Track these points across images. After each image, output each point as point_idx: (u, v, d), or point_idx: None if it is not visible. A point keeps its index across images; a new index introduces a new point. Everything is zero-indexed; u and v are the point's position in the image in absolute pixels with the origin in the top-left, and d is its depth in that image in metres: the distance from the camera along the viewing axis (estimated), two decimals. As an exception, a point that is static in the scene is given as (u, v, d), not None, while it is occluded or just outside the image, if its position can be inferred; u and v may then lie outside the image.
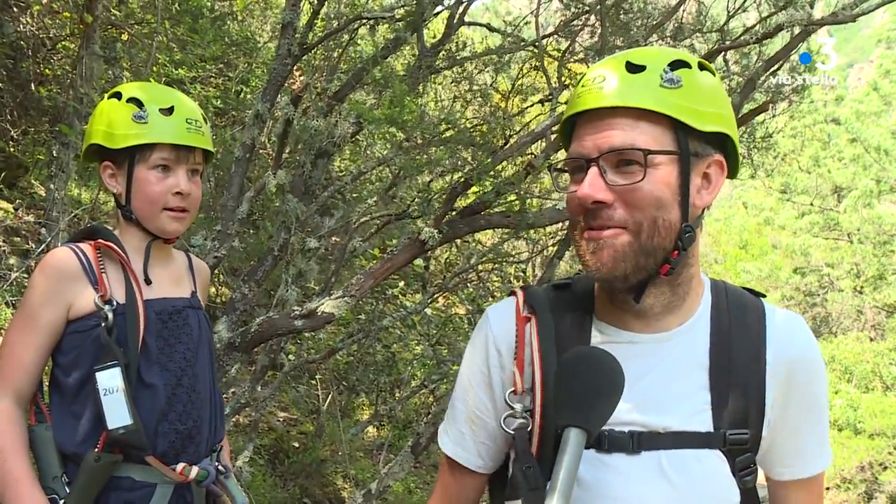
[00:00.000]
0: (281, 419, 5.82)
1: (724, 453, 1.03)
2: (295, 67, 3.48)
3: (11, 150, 4.84)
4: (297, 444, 5.50)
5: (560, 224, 4.25)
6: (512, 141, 3.97)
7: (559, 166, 1.11)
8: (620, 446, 1.02)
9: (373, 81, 3.71)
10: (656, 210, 0.98)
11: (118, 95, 1.63)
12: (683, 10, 4.50)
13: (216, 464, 1.69)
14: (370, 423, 6.35)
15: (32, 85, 4.77)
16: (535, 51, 4.21)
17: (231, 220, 2.95)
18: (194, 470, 1.59)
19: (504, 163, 3.90)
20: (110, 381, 1.47)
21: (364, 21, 3.77)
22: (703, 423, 1.03)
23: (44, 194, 4.73)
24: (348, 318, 5.35)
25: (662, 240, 0.99)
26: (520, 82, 4.83)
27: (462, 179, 3.35)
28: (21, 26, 4.55)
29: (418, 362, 6.10)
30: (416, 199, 4.46)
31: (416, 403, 6.61)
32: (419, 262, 5.51)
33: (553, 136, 3.46)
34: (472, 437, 1.16)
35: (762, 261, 17.07)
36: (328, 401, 5.78)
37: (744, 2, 4.52)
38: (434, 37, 4.52)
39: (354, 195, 4.93)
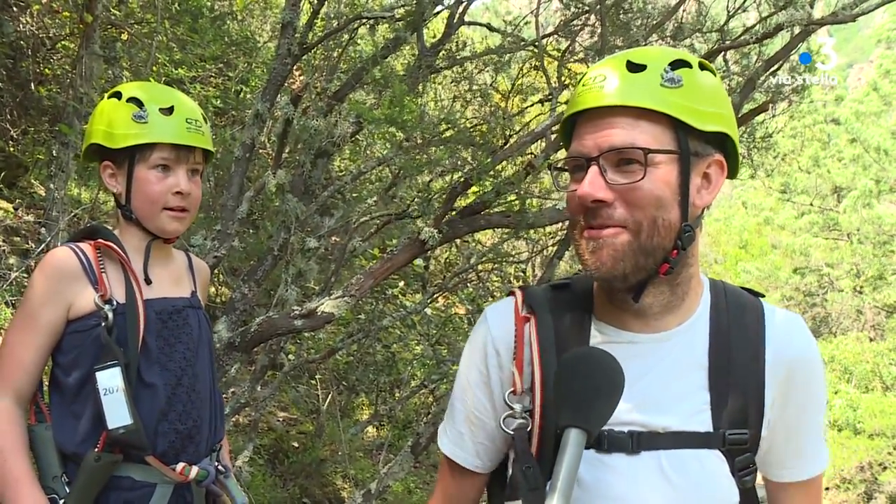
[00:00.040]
0: (281, 419, 5.82)
1: (724, 453, 1.03)
2: (295, 67, 3.48)
3: (11, 149, 4.84)
4: (296, 444, 5.50)
5: (560, 224, 4.25)
6: (512, 141, 3.97)
7: (559, 165, 1.11)
8: (620, 446, 1.02)
9: (373, 81, 3.71)
10: (656, 209, 0.98)
11: (118, 95, 1.63)
12: (683, 10, 4.50)
13: (216, 463, 1.69)
14: (370, 423, 6.35)
15: (32, 84, 4.77)
16: (535, 51, 4.21)
17: (231, 220, 2.95)
18: (194, 470, 1.59)
19: (504, 163, 3.90)
20: (110, 380, 1.47)
21: (364, 21, 3.76)
22: (703, 423, 1.03)
23: (43, 194, 4.73)
24: (348, 318, 5.35)
25: (662, 239, 0.99)
26: (520, 82, 4.83)
27: (462, 179, 3.35)
28: (21, 26, 4.55)
29: (418, 362, 6.10)
30: (416, 199, 4.45)
31: (415, 403, 6.61)
32: (419, 262, 5.51)
33: (553, 136, 3.46)
34: (471, 438, 1.16)
35: (762, 261, 17.06)
36: (328, 401, 5.78)
37: (744, 2, 4.52)
38: (434, 36, 4.52)
39: (354, 195, 4.92)
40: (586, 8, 4.30)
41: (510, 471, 1.12)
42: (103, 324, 1.50)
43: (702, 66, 1.03)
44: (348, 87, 3.60)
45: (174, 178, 1.61)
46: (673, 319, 1.07)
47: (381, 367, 5.88)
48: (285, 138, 3.54)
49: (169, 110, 1.61)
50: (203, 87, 5.91)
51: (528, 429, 1.04)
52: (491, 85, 4.72)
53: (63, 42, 4.96)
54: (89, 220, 4.41)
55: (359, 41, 4.59)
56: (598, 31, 4.24)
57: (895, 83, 14.84)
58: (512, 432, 1.05)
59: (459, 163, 3.79)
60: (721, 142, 1.04)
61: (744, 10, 4.60)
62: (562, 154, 2.14)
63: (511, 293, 1.17)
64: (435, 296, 5.40)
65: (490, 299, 5.30)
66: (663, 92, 0.98)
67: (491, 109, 4.60)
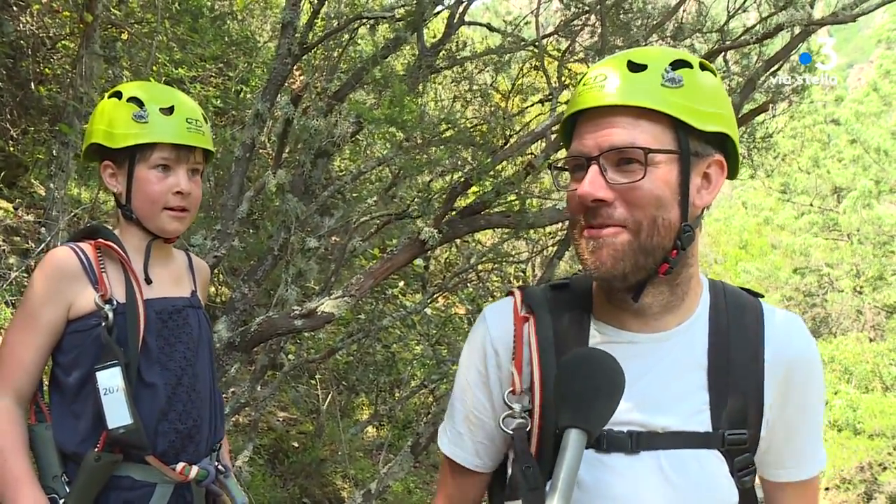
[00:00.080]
0: (281, 419, 5.82)
1: (723, 453, 1.03)
2: (295, 67, 3.48)
3: (11, 149, 4.84)
4: (296, 444, 5.50)
5: (560, 224, 4.25)
6: (512, 141, 3.97)
7: (559, 164, 1.11)
8: (619, 446, 1.02)
9: (373, 81, 3.70)
10: (656, 209, 0.98)
11: (118, 95, 1.63)
12: (683, 10, 4.49)
13: (216, 463, 1.69)
14: (370, 423, 6.34)
15: (32, 84, 4.77)
16: (535, 51, 4.21)
17: (231, 220, 2.95)
18: (194, 469, 1.59)
19: (504, 163, 3.90)
20: (110, 380, 1.47)
21: (364, 21, 3.76)
22: (702, 423, 1.03)
23: (43, 194, 4.73)
24: (348, 318, 5.35)
25: (662, 239, 0.99)
26: (520, 82, 4.83)
27: (462, 179, 3.35)
28: (21, 25, 4.55)
29: (418, 362, 6.10)
30: (416, 199, 4.45)
31: (415, 403, 6.60)
32: (419, 262, 5.51)
33: (553, 136, 3.46)
34: (471, 437, 1.16)
35: (762, 261, 17.05)
36: (328, 401, 5.78)
37: (744, 2, 4.52)
38: (434, 36, 4.52)
39: (354, 195, 4.92)
40: (586, 8, 4.30)
41: (510, 471, 1.12)
42: (103, 323, 1.50)
43: (702, 67, 1.03)
44: (348, 87, 3.60)
45: (174, 177, 1.61)
46: (672, 319, 1.07)
47: (381, 367, 5.87)
48: (285, 138, 3.54)
49: (169, 110, 1.61)
50: (203, 87, 5.91)
51: (528, 428, 1.04)
52: (491, 85, 4.72)
53: (63, 42, 4.96)
54: (89, 219, 4.41)
55: (359, 41, 4.59)
56: (599, 31, 4.24)
57: (895, 83, 14.84)
58: (511, 432, 1.05)
59: (459, 163, 3.79)
60: (721, 142, 1.04)
61: (744, 11, 4.60)
62: (562, 154, 2.15)
63: (510, 293, 1.17)
64: (435, 296, 5.39)
65: (490, 299, 5.30)
66: (664, 92, 0.98)
67: (491, 109, 4.59)
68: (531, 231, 4.58)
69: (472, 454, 1.17)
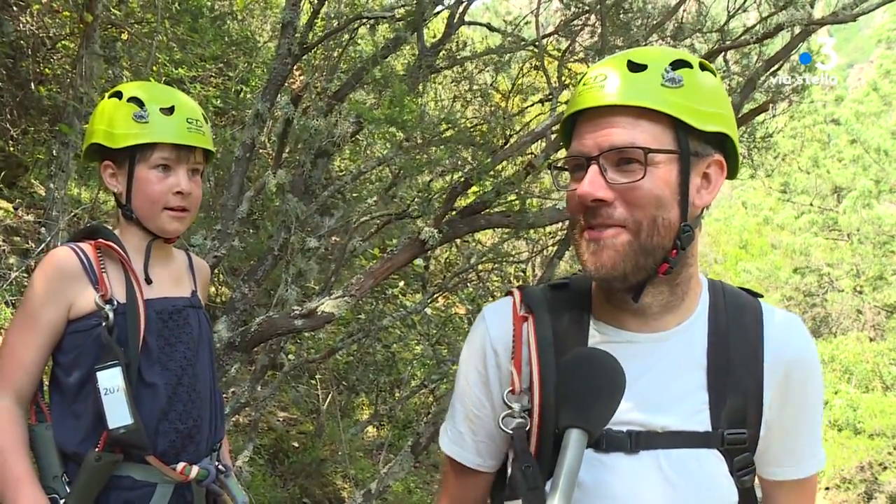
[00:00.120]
0: (281, 419, 5.82)
1: (723, 453, 1.03)
2: (295, 67, 3.48)
3: (11, 149, 4.84)
4: (296, 444, 5.50)
5: (560, 224, 4.26)
6: (512, 141, 3.97)
7: (559, 164, 1.11)
8: (619, 446, 1.02)
9: (373, 81, 3.70)
10: (656, 209, 0.98)
11: (119, 95, 1.63)
12: (683, 10, 4.49)
13: (216, 463, 1.69)
14: (370, 423, 6.34)
15: (32, 84, 4.77)
16: (535, 50, 4.21)
17: (231, 220, 2.95)
18: (194, 469, 1.59)
19: (504, 163, 3.90)
20: (111, 380, 1.47)
21: (364, 20, 3.76)
22: (702, 422, 1.03)
23: (43, 194, 4.73)
24: (348, 318, 5.35)
25: (662, 239, 0.99)
26: (520, 82, 4.82)
27: (462, 179, 3.35)
28: (21, 25, 4.55)
29: (418, 362, 6.10)
30: (416, 199, 4.45)
31: (416, 403, 6.60)
32: (419, 261, 5.51)
33: (553, 136, 3.46)
34: (471, 437, 1.17)
35: (762, 261, 17.05)
36: (328, 401, 5.78)
37: (744, 2, 4.52)
38: (434, 36, 4.52)
39: (354, 195, 4.92)
40: (586, 8, 4.30)
41: (510, 470, 1.12)
42: (104, 323, 1.50)
43: (702, 67, 1.03)
44: (348, 87, 3.60)
45: (175, 177, 1.61)
46: (672, 319, 1.07)
47: (381, 367, 5.87)
48: (285, 138, 3.54)
49: (169, 110, 1.61)
50: (203, 87, 5.91)
51: (527, 428, 1.04)
52: (491, 85, 4.72)
53: (63, 42, 4.96)
54: (89, 220, 4.42)
55: (359, 41, 4.59)
56: (599, 31, 4.24)
57: (895, 83, 14.84)
58: (510, 431, 1.05)
59: (459, 163, 3.79)
60: (721, 142, 1.04)
61: (744, 10, 4.60)
62: (562, 154, 2.14)
63: (509, 293, 1.17)
64: (435, 296, 5.39)
65: (490, 299, 5.29)
66: (664, 92, 0.98)
67: (491, 109, 4.59)
68: (531, 231, 4.59)
69: (473, 453, 1.17)
